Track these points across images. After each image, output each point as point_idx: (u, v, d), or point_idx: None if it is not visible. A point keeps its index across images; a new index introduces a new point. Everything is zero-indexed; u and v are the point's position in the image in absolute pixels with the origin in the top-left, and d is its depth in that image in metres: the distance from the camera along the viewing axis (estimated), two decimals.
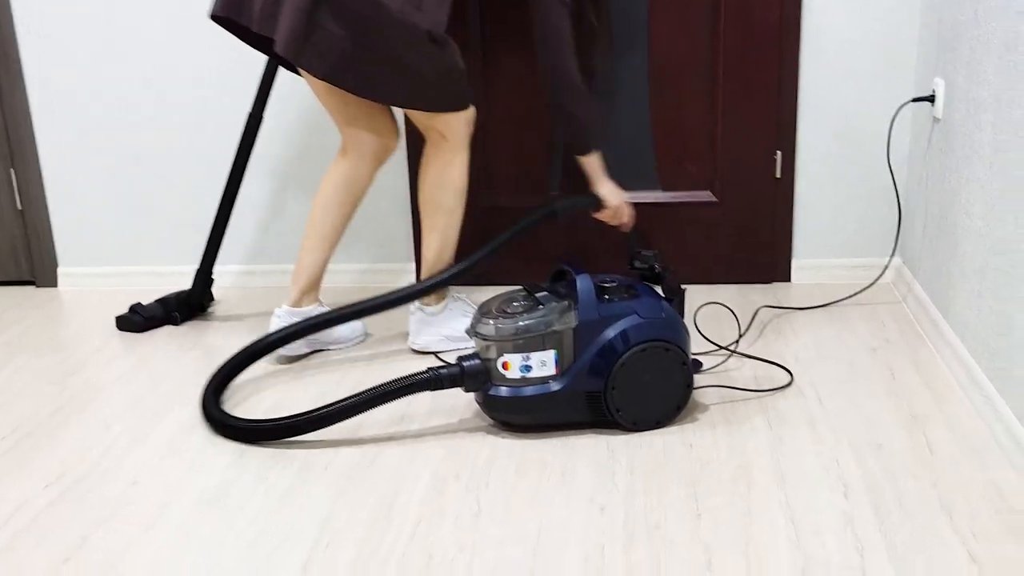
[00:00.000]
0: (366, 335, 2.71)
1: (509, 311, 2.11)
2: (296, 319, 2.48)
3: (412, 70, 2.24)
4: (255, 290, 3.12)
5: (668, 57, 2.85)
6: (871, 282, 2.85)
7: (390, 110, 2.48)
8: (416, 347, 2.58)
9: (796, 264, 2.97)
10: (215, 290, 3.08)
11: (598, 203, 2.54)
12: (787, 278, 2.97)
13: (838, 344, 2.53)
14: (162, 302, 2.87)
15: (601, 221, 2.60)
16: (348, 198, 2.50)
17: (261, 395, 2.38)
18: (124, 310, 2.86)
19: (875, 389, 2.27)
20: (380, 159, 2.50)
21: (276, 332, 2.38)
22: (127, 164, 3.09)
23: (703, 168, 2.92)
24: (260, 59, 2.94)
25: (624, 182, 2.92)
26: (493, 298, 2.19)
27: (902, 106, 2.71)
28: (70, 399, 2.40)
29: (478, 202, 2.97)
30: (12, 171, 3.11)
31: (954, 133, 2.38)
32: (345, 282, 3.09)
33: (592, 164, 2.50)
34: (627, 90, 2.89)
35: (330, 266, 3.07)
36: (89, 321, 2.91)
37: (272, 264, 3.14)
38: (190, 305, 2.89)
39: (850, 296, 2.82)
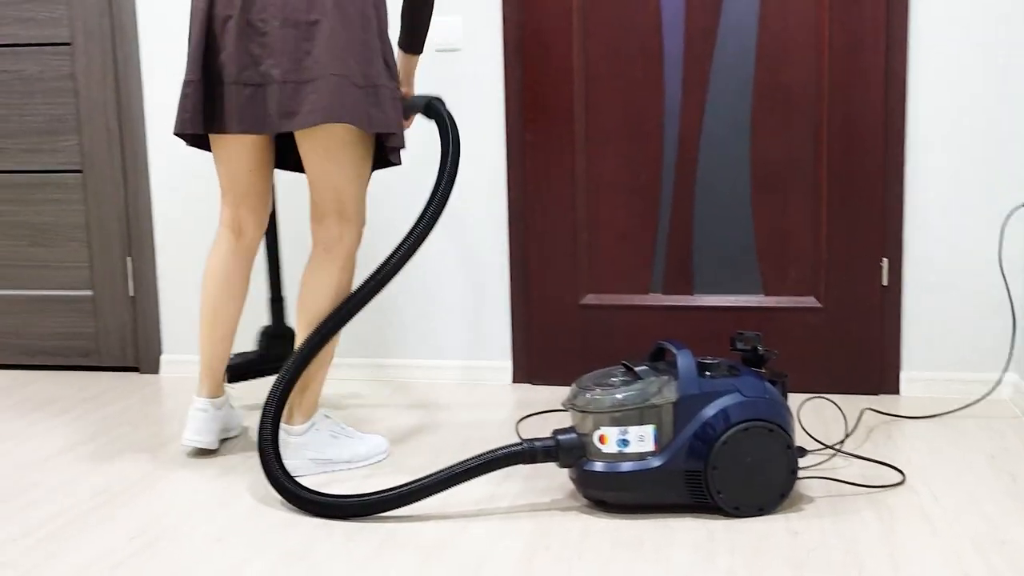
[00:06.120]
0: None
1: (607, 384, 2.06)
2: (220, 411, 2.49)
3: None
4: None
5: (770, 160, 2.85)
6: (983, 395, 2.71)
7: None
8: (290, 470, 2.23)
9: (905, 376, 2.85)
10: None
11: (414, 108, 2.39)
12: (896, 390, 2.85)
13: (953, 449, 2.39)
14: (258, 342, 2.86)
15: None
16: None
17: (351, 471, 2.34)
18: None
19: (995, 491, 2.13)
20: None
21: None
22: None
23: (806, 273, 2.87)
24: None
25: (726, 284, 2.90)
26: (591, 373, 2.14)
27: (1014, 210, 2.64)
28: (159, 465, 2.40)
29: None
30: (129, 259, 3.22)
31: None
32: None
33: (414, 66, 2.43)
34: (729, 192, 2.89)
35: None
36: (184, 402, 2.93)
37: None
38: (277, 336, 2.85)
39: (963, 408, 2.69)
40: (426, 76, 2.98)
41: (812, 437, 2.46)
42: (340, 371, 3.15)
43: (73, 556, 1.92)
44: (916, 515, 2.02)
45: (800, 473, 2.22)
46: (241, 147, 2.34)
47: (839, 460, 2.34)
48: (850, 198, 2.81)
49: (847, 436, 2.46)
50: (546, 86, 2.92)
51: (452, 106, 2.98)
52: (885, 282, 2.82)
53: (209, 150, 2.40)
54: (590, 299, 2.98)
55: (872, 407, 2.73)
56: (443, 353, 3.09)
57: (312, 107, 2.13)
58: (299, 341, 2.28)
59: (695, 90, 2.86)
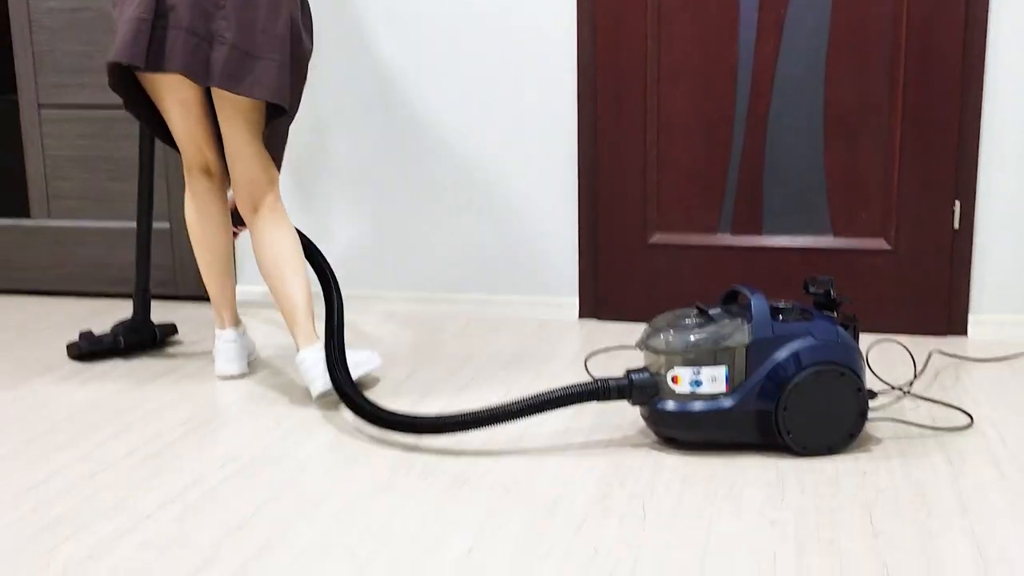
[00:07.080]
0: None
1: (681, 325, 2.10)
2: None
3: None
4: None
5: (844, 101, 2.83)
6: None
7: None
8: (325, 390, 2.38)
9: (974, 319, 2.85)
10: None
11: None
12: (963, 331, 2.86)
13: (1021, 391, 2.41)
14: (113, 330, 2.83)
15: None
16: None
17: (428, 403, 2.42)
18: None
19: None
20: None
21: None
22: None
23: (877, 215, 2.87)
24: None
25: (795, 225, 2.91)
26: (664, 315, 2.18)
27: None
28: (242, 395, 2.49)
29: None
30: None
31: None
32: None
33: None
34: (801, 133, 2.88)
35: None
36: (262, 331, 3.02)
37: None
38: (136, 330, 2.84)
39: None
40: (500, 10, 2.99)
41: (880, 379, 2.49)
42: (408, 305, 3.22)
43: (167, 481, 2.02)
44: (984, 457, 2.05)
45: (869, 415, 2.25)
46: (190, 90, 2.42)
47: (907, 402, 2.37)
48: (924, 141, 2.79)
49: (915, 378, 2.49)
50: (620, 24, 2.92)
51: (524, 44, 2.99)
52: (957, 225, 2.82)
53: (126, 102, 2.47)
54: (658, 238, 3.01)
55: (940, 349, 2.74)
56: (511, 288, 3.15)
57: (255, 81, 2.30)
58: (286, 284, 2.44)
59: (770, 30, 2.84)
